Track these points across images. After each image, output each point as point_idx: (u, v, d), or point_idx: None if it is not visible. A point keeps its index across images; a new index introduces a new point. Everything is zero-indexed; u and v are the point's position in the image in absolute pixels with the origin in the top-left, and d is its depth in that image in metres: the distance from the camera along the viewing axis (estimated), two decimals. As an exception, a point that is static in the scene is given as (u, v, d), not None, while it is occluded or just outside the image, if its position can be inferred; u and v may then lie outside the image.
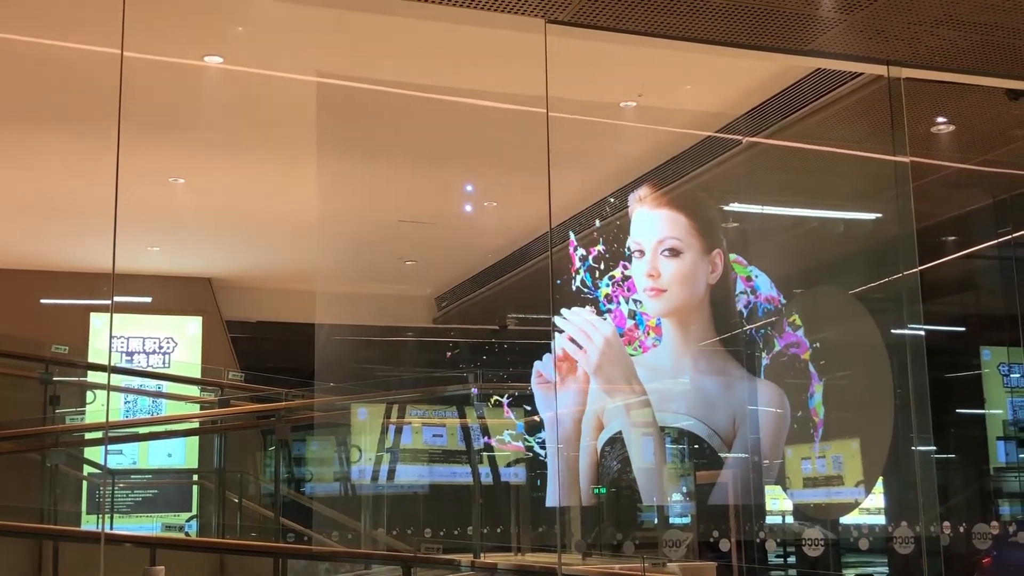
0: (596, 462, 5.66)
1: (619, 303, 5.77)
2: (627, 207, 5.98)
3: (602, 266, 5.79)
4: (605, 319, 5.69)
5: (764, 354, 6.07)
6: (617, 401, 5.65)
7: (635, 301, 5.75)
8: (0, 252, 9.40)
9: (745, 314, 6.08)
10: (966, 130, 6.51)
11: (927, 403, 5.64)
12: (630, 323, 5.76)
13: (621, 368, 5.67)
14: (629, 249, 5.81)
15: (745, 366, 6.03)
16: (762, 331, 6.10)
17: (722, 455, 5.88)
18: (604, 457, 5.69)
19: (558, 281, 5.67)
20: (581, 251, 5.74)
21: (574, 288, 5.70)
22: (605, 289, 5.76)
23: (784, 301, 6.15)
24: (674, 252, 5.81)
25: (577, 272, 5.71)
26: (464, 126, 6.43)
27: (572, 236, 5.76)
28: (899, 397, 5.83)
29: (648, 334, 5.74)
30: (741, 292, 6.06)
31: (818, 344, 6.10)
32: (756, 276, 6.10)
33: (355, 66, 5.57)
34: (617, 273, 5.78)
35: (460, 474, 7.29)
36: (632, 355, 5.72)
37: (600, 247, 5.79)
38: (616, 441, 5.69)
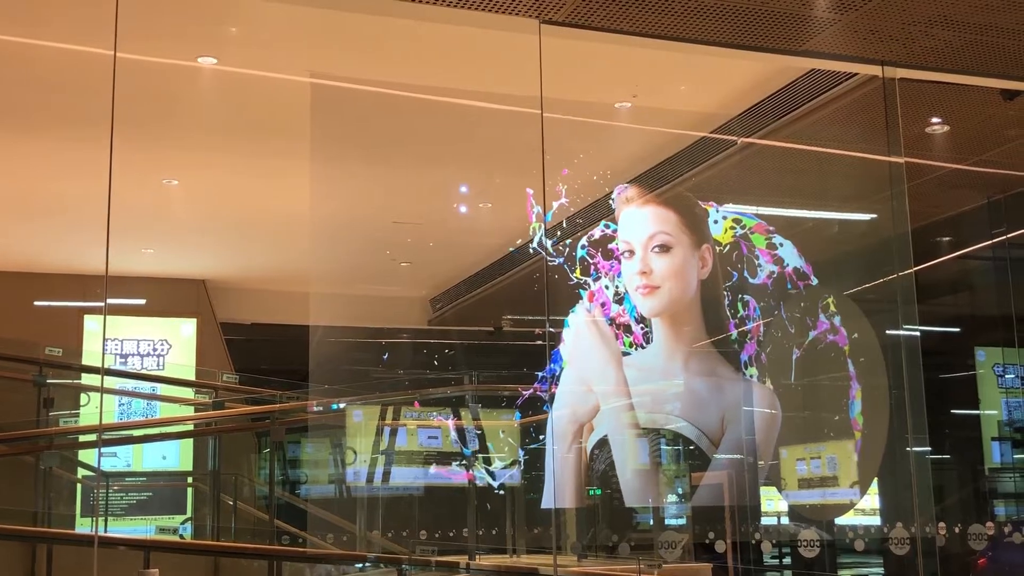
0: (587, 464, 5.65)
1: (597, 274, 5.65)
2: (612, 205, 5.89)
3: (564, 224, 5.62)
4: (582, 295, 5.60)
5: (794, 347, 5.90)
6: (598, 391, 5.58)
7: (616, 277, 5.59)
8: (-7, 254, 9.38)
9: (770, 288, 5.92)
10: (961, 130, 6.52)
11: (922, 404, 5.64)
12: (617, 308, 5.63)
13: (595, 356, 5.59)
14: (618, 248, 5.72)
15: (756, 360, 5.90)
16: (791, 314, 5.86)
17: (713, 456, 5.85)
18: (593, 460, 5.66)
19: (511, 249, 5.52)
20: (538, 208, 5.55)
21: (531, 251, 5.52)
22: (581, 252, 5.61)
23: (816, 280, 5.94)
24: (664, 248, 5.75)
25: (534, 231, 5.54)
26: (458, 127, 6.43)
27: (529, 192, 5.53)
28: (894, 398, 5.83)
29: (640, 322, 5.60)
30: (763, 264, 5.84)
31: (856, 335, 5.86)
32: (781, 244, 5.78)
33: (349, 67, 5.56)
34: (597, 233, 5.60)
35: (455, 476, 7.28)
36: (626, 353, 5.66)
37: (563, 200, 5.59)
38: (605, 444, 5.66)
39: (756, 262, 5.83)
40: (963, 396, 9.15)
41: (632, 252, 5.71)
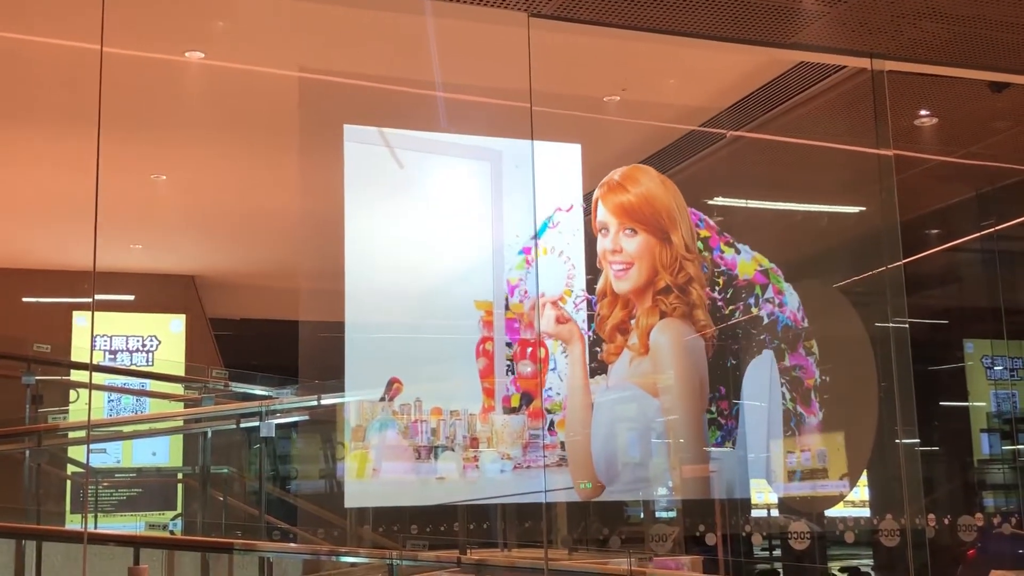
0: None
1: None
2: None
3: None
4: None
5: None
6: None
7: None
8: (-19, 250, 9.35)
9: (765, 321, 6.07)
10: (949, 123, 6.53)
11: (911, 396, 5.65)
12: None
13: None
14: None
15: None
16: (775, 342, 6.08)
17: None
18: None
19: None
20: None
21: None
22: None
23: (806, 324, 6.14)
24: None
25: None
26: (446, 121, 6.42)
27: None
28: (883, 390, 5.84)
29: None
30: (767, 299, 6.05)
31: (827, 378, 6.08)
32: (789, 293, 6.11)
33: (337, 61, 5.55)
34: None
35: (445, 470, 7.26)
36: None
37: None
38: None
39: (762, 296, 5.99)
40: (952, 388, 9.17)
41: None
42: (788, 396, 6.05)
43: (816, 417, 6.04)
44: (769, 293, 6.08)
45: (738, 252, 6.09)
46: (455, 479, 5.40)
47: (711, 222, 6.06)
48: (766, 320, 6.08)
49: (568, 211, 5.76)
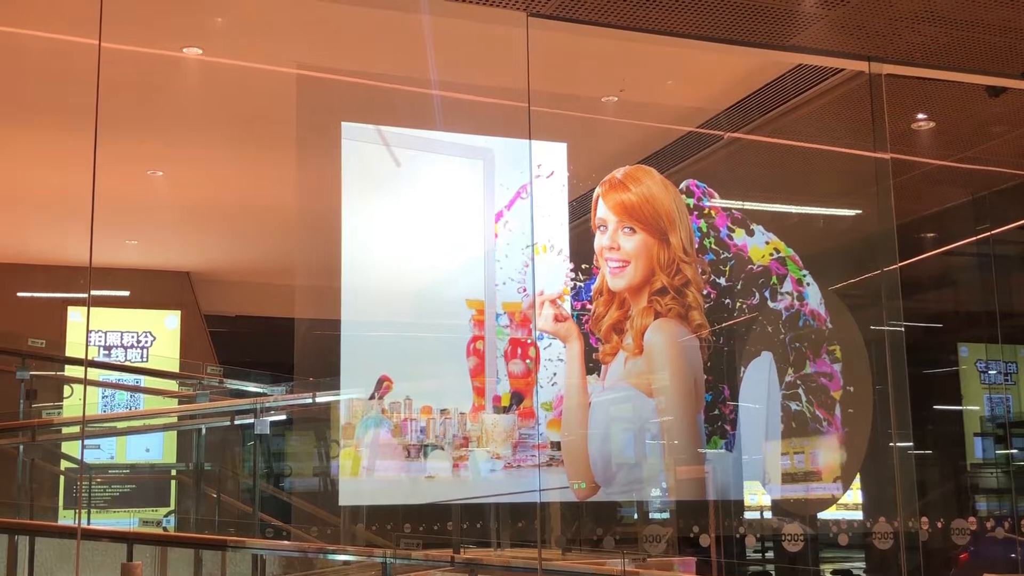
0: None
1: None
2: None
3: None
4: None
5: (791, 370, 6.00)
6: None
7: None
8: (-24, 245, 9.34)
9: (784, 316, 6.03)
10: (946, 127, 6.54)
11: (906, 399, 5.66)
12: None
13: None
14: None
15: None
16: (796, 344, 6.02)
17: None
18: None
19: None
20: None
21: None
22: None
23: (831, 325, 6.09)
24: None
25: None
26: (443, 119, 6.41)
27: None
28: (878, 393, 5.85)
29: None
30: (786, 292, 5.99)
31: (852, 388, 6.00)
32: (808, 284, 5.98)
33: (335, 58, 5.54)
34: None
35: (434, 468, 7.25)
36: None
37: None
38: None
39: (780, 288, 5.94)
40: (946, 392, 9.18)
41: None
42: (804, 399, 5.98)
43: (838, 432, 5.98)
44: (787, 285, 6.02)
45: (751, 234, 6.02)
46: (445, 478, 5.39)
47: (715, 195, 6.00)
48: (784, 316, 6.01)
49: (549, 177, 5.71)
